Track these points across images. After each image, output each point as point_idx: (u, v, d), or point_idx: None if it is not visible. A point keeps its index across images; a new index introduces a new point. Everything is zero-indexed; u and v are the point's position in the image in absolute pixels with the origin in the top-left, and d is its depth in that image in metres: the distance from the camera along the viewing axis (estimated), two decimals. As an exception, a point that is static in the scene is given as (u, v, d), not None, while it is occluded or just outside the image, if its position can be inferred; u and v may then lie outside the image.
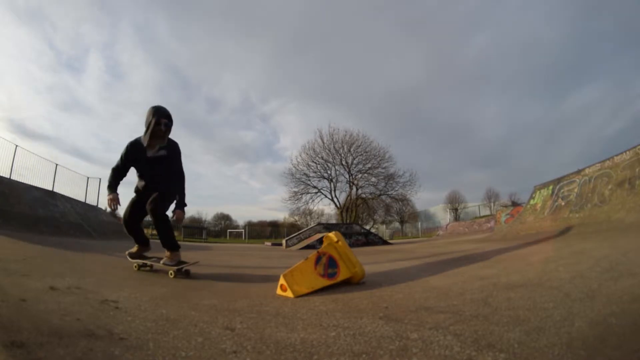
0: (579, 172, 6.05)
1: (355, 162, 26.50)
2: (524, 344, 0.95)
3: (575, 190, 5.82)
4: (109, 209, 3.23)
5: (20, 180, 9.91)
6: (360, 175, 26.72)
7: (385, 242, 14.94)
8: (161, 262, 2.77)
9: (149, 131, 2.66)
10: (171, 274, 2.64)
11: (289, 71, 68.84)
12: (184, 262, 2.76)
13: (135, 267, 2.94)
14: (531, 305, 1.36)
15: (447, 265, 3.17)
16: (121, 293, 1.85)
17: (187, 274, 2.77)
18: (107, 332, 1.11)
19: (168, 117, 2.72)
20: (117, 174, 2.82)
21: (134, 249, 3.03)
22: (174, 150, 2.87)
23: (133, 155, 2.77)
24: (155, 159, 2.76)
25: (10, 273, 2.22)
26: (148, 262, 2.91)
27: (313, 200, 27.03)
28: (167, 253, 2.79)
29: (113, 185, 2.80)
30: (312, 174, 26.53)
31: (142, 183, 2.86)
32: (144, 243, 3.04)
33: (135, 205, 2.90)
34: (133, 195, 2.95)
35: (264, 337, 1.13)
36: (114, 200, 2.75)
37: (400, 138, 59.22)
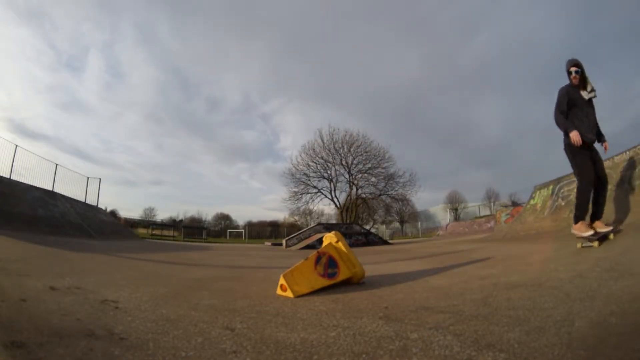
0: (579, 172, 6.03)
1: (355, 162, 26.53)
2: (524, 344, 0.95)
3: (575, 190, 5.81)
4: (578, 143, 3.01)
5: (20, 180, 9.92)
6: (360, 175, 26.75)
7: (385, 242, 14.95)
8: (603, 230, 2.84)
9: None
10: (612, 236, 2.82)
11: (289, 71, 68.85)
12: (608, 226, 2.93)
13: (580, 245, 2.83)
14: (531, 305, 1.36)
15: (447, 265, 3.17)
16: (121, 293, 1.85)
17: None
18: (107, 332, 1.11)
19: (576, 65, 3.07)
20: (564, 115, 3.05)
21: (585, 225, 2.93)
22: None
23: (571, 96, 3.03)
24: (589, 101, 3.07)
25: (10, 273, 2.22)
26: (594, 238, 2.79)
27: (313, 200, 27.07)
28: (601, 221, 2.96)
29: (569, 123, 2.97)
30: (312, 174, 26.58)
31: (584, 128, 2.97)
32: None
33: (591, 161, 2.98)
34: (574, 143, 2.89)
35: (264, 337, 1.13)
36: (579, 136, 2.88)
37: (400, 138, 59.32)
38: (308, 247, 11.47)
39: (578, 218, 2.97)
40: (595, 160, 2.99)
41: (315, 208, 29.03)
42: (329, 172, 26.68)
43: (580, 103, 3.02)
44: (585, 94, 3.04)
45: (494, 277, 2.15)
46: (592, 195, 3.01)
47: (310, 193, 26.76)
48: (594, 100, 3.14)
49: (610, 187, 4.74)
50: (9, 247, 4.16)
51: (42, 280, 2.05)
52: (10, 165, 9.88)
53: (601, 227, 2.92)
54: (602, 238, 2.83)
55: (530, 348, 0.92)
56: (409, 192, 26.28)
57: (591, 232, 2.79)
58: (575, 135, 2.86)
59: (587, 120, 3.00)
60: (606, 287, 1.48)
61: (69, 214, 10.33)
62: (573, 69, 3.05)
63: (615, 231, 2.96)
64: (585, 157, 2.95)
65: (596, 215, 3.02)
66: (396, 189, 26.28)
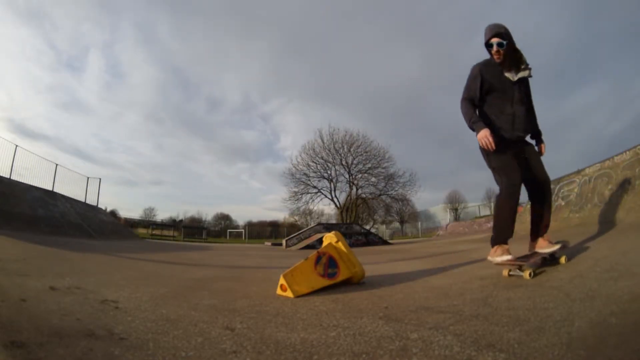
0: (579, 172, 6.05)
1: (355, 162, 26.56)
2: (524, 344, 0.95)
3: (575, 190, 5.82)
4: (488, 147, 2.02)
5: (20, 180, 9.92)
6: (360, 175, 26.78)
7: (385, 242, 14.95)
8: (546, 250, 2.19)
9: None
10: (565, 259, 2.17)
11: (289, 71, 68.97)
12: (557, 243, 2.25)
13: (507, 273, 2.09)
14: (531, 305, 1.36)
15: (447, 265, 3.17)
16: (121, 293, 1.85)
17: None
18: (107, 332, 1.11)
19: (498, 35, 2.11)
20: (473, 104, 2.21)
21: (504, 249, 2.07)
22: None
23: (488, 76, 2.18)
24: (518, 82, 2.18)
25: (10, 273, 2.22)
26: (525, 264, 2.06)
27: (313, 200, 27.11)
28: (545, 238, 2.24)
29: (480, 119, 2.13)
30: (312, 174, 26.61)
31: (506, 120, 2.16)
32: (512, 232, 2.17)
33: (517, 160, 2.17)
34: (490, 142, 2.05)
35: (264, 337, 1.13)
36: (489, 137, 2.04)
37: (400, 138, 59.36)
38: (308, 247, 11.47)
39: (495, 240, 2.13)
40: (529, 159, 2.24)
41: (315, 208, 29.08)
42: (329, 172, 26.72)
43: (503, 86, 2.16)
44: (511, 75, 2.16)
45: (494, 277, 2.15)
46: (531, 206, 2.33)
47: (310, 193, 26.80)
48: (529, 80, 2.27)
49: (611, 187, 4.74)
50: (9, 247, 4.16)
51: (42, 280, 2.05)
52: (10, 165, 9.88)
53: (545, 247, 2.21)
54: (549, 260, 2.21)
55: (530, 348, 0.92)
56: (409, 192, 26.34)
57: (507, 257, 2.01)
58: (483, 137, 2.04)
59: (513, 110, 2.15)
60: (606, 287, 1.48)
61: (69, 214, 10.33)
62: (494, 41, 2.11)
63: (566, 250, 2.29)
64: (507, 156, 2.13)
65: (537, 232, 2.29)
66: (396, 189, 26.30)
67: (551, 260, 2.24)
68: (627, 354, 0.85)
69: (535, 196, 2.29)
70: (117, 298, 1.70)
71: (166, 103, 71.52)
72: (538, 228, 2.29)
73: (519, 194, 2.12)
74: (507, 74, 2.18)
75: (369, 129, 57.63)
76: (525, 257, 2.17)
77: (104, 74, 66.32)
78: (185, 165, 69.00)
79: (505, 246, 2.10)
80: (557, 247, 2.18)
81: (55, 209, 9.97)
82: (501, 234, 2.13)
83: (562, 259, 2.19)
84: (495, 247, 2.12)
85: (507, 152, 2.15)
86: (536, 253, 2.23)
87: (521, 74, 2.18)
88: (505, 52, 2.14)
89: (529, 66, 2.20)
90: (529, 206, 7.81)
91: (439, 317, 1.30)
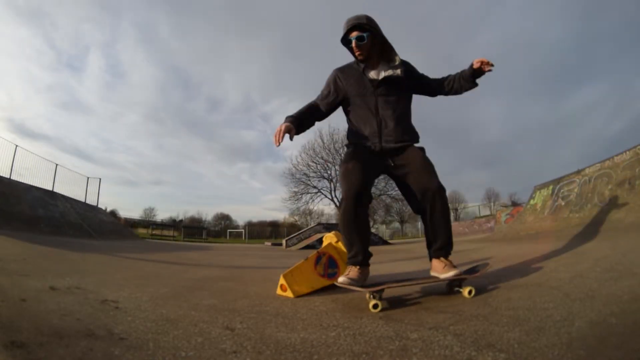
0: (579, 172, 6.05)
1: (355, 162, 26.51)
2: (524, 344, 0.95)
3: (575, 190, 5.83)
4: (275, 139, 1.65)
5: (20, 180, 9.94)
6: (360, 175, 26.74)
7: (385, 242, 14.96)
8: (440, 276, 1.71)
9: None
10: (471, 292, 1.61)
11: (289, 71, 69.04)
12: (473, 268, 1.88)
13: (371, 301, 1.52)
14: (531, 305, 1.36)
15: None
16: (121, 293, 1.85)
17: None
18: (107, 332, 1.11)
19: (357, 27, 1.74)
20: (310, 108, 1.88)
21: (350, 269, 1.72)
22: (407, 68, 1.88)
23: (343, 80, 1.85)
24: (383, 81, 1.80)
25: (10, 273, 2.22)
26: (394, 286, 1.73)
27: (313, 200, 27.16)
28: (441, 260, 1.74)
29: (294, 116, 1.78)
30: (312, 174, 26.66)
31: (372, 133, 1.79)
32: (369, 255, 1.80)
33: (368, 169, 1.74)
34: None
35: (264, 337, 1.13)
36: (282, 129, 1.67)
37: (400, 138, 59.21)
38: (308, 247, 11.50)
39: (347, 259, 1.77)
40: (404, 165, 1.78)
41: (315, 208, 29.13)
42: (329, 172, 26.76)
43: (364, 91, 1.80)
44: (374, 73, 1.81)
45: (494, 277, 2.15)
46: (425, 223, 1.80)
47: (310, 193, 26.85)
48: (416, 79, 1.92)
49: (611, 187, 4.74)
50: (9, 247, 4.17)
51: (42, 280, 2.05)
52: (10, 165, 9.90)
53: (440, 271, 1.72)
54: (455, 286, 1.71)
55: (530, 348, 0.92)
56: (409, 192, 26.29)
57: (342, 278, 1.66)
58: (277, 129, 1.67)
59: (379, 119, 1.77)
60: (606, 287, 1.48)
61: (69, 214, 10.33)
62: (353, 35, 1.75)
63: (477, 281, 1.81)
64: (355, 161, 1.72)
65: (430, 253, 1.82)
66: (396, 189, 26.31)
67: (452, 287, 1.74)
68: (627, 354, 0.85)
69: (422, 212, 1.78)
70: (117, 298, 1.70)
71: (166, 103, 71.86)
72: (430, 248, 1.83)
73: (354, 204, 1.63)
74: (371, 74, 1.81)
75: (369, 129, 57.56)
76: (404, 280, 1.86)
77: (104, 74, 66.71)
78: (185, 165, 69.35)
79: (354, 267, 1.72)
80: (451, 273, 1.67)
81: (55, 209, 9.97)
82: (350, 250, 1.75)
83: (466, 292, 1.62)
84: (349, 266, 1.76)
85: (360, 157, 1.75)
86: (431, 277, 1.82)
87: (389, 73, 1.79)
88: (369, 48, 1.77)
89: (403, 65, 1.84)
90: (527, 206, 7.82)
91: (439, 317, 1.30)
